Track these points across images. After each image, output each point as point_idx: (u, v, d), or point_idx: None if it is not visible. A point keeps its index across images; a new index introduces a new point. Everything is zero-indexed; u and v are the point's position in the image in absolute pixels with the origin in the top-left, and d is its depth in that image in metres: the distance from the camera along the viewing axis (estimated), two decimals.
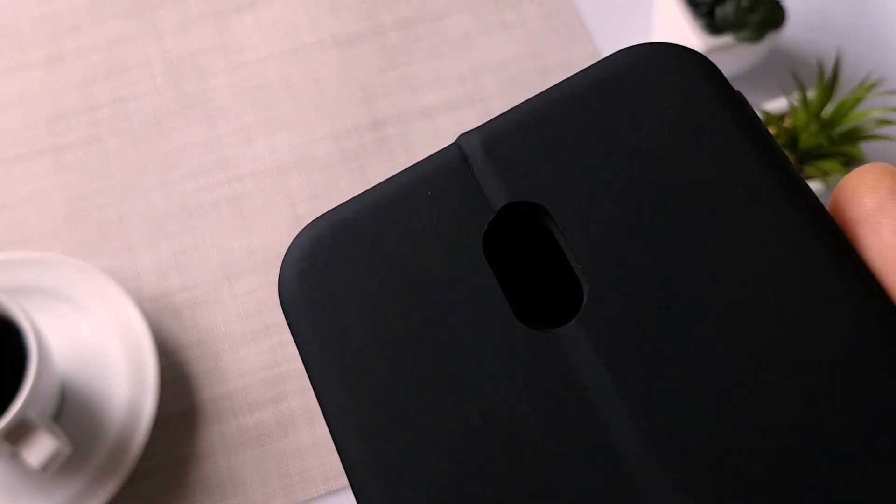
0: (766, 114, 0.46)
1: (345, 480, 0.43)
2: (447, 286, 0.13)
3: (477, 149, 0.13)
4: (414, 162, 0.14)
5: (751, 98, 0.51)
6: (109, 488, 0.41)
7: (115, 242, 0.48)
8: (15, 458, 0.41)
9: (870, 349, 0.11)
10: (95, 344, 0.44)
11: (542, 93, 0.14)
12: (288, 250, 0.14)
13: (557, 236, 0.13)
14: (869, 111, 0.45)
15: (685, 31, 0.49)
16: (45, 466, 0.37)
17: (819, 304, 0.12)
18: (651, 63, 0.13)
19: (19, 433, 0.37)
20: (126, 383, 0.43)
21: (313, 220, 0.14)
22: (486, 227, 0.13)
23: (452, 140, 0.14)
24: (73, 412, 0.43)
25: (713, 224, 0.12)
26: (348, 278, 0.13)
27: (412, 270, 0.13)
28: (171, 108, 0.52)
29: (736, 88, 0.14)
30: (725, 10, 0.48)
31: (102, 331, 0.44)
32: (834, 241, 0.12)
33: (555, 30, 0.56)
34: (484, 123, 0.14)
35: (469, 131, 0.14)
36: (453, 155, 0.14)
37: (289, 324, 0.13)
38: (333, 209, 0.14)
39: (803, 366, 0.12)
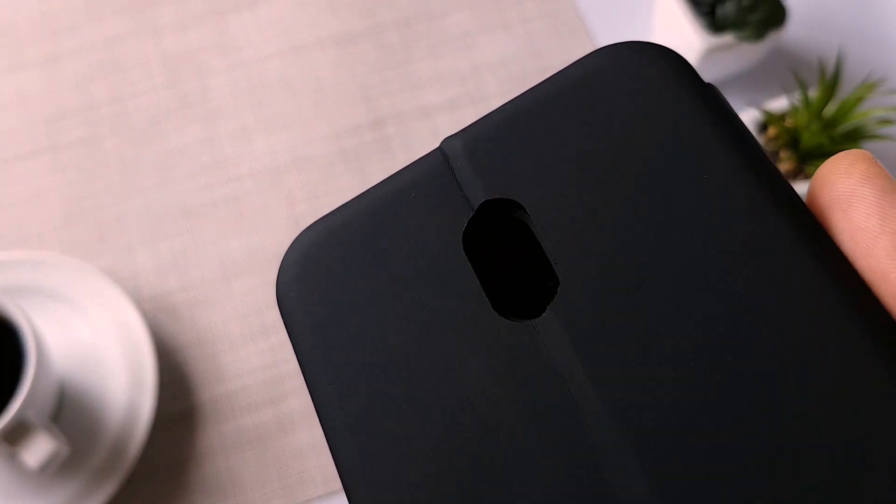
0: (768, 113, 0.46)
1: None
2: (430, 283, 0.13)
3: (458, 151, 0.14)
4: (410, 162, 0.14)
5: (752, 97, 0.51)
6: (108, 489, 0.41)
7: (114, 242, 0.48)
8: (13, 458, 0.41)
9: (838, 331, 0.12)
10: (94, 344, 0.44)
11: (519, 95, 0.14)
12: (285, 255, 0.14)
13: (534, 230, 0.13)
14: (871, 110, 0.45)
15: (686, 31, 0.49)
16: (44, 467, 0.37)
17: (787, 287, 0.12)
18: (621, 61, 0.14)
19: (17, 434, 0.37)
20: (125, 384, 0.43)
21: (309, 226, 0.14)
22: (465, 224, 0.14)
23: None
24: (71, 413, 0.43)
25: (680, 212, 0.13)
26: (341, 280, 0.14)
27: (399, 270, 0.14)
28: (170, 107, 0.52)
29: (721, 85, 0.14)
30: (726, 10, 0.48)
31: (101, 331, 0.44)
32: (804, 225, 0.12)
33: (555, 29, 0.55)
34: (466, 127, 0.14)
35: (452, 135, 0.14)
36: (437, 158, 0.14)
37: (286, 325, 0.14)
38: (328, 215, 0.14)
39: (773, 348, 0.12)
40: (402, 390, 0.13)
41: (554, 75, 0.14)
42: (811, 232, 0.12)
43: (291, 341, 0.14)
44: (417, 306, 0.13)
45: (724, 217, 0.12)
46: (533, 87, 0.14)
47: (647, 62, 0.14)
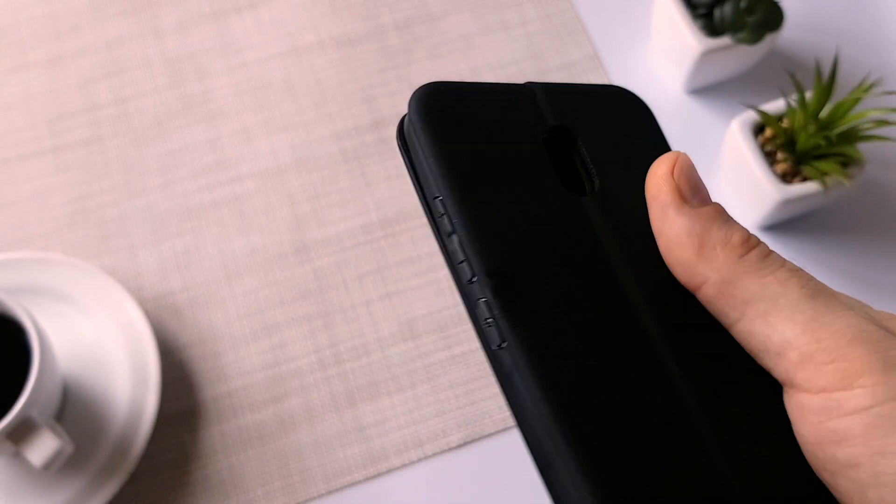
0: (764, 114, 0.46)
1: (344, 480, 0.44)
2: (519, 159, 0.19)
3: (540, 91, 0.21)
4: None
5: (749, 99, 0.51)
6: (111, 488, 0.41)
7: (116, 242, 0.48)
8: (17, 457, 0.41)
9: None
10: (97, 344, 0.44)
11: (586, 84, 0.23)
12: (412, 97, 0.19)
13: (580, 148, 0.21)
14: (867, 111, 0.45)
15: (683, 33, 0.49)
16: (47, 466, 0.38)
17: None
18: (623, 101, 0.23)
19: (21, 432, 0.37)
20: (128, 383, 0.43)
21: (429, 82, 0.19)
22: (545, 133, 0.20)
23: None
24: (74, 412, 0.43)
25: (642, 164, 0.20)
26: (458, 124, 0.19)
27: (499, 139, 0.19)
28: (172, 108, 0.52)
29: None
30: (724, 12, 0.48)
31: (104, 330, 0.44)
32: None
33: (554, 30, 0.56)
34: (545, 82, 0.21)
35: (536, 82, 0.21)
36: (525, 87, 0.21)
37: (409, 148, 0.19)
38: (443, 81, 0.20)
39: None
40: (507, 209, 0.19)
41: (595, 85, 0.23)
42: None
43: (411, 163, 0.19)
44: (510, 170, 0.19)
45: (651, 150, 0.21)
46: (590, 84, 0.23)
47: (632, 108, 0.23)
